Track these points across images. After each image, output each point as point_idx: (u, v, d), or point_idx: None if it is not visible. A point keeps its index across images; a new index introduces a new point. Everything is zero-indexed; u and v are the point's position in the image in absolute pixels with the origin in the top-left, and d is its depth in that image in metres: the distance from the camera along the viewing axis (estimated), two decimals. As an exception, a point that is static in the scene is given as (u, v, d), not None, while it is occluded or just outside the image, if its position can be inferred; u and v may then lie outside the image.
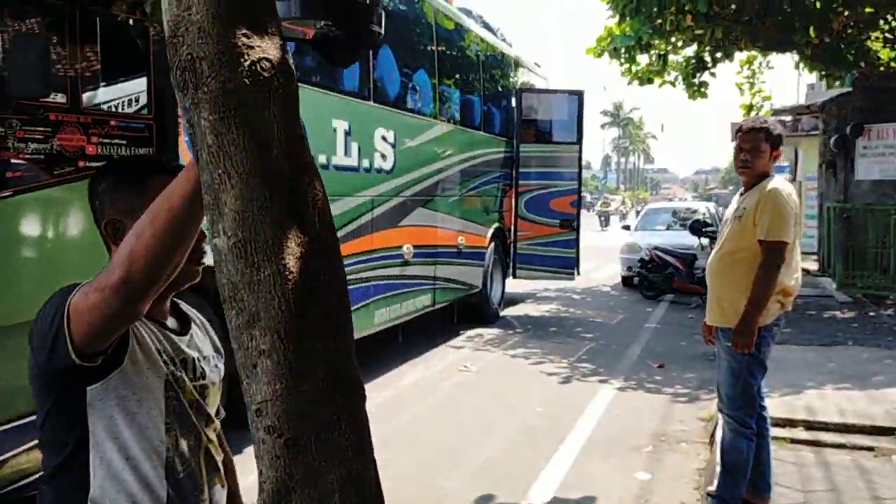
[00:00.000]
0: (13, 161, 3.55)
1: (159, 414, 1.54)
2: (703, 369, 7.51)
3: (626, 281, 14.46)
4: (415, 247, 8.05)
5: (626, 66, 12.53)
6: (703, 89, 13.22)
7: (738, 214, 3.90)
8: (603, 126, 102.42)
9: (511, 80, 11.77)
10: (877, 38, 12.35)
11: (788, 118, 19.33)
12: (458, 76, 9.67)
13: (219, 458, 1.69)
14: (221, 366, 1.76)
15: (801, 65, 12.72)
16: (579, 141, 11.34)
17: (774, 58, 13.94)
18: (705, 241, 11.95)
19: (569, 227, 11.16)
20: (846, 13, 10.84)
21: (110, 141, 4.01)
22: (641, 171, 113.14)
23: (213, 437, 1.68)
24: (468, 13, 10.50)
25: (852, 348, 7.89)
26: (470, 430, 5.82)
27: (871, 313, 10.25)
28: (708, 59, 12.64)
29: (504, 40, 11.74)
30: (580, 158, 11.44)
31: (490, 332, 9.85)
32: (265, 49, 1.14)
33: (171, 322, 1.66)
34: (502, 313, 11.15)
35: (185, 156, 4.24)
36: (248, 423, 1.15)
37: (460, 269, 9.53)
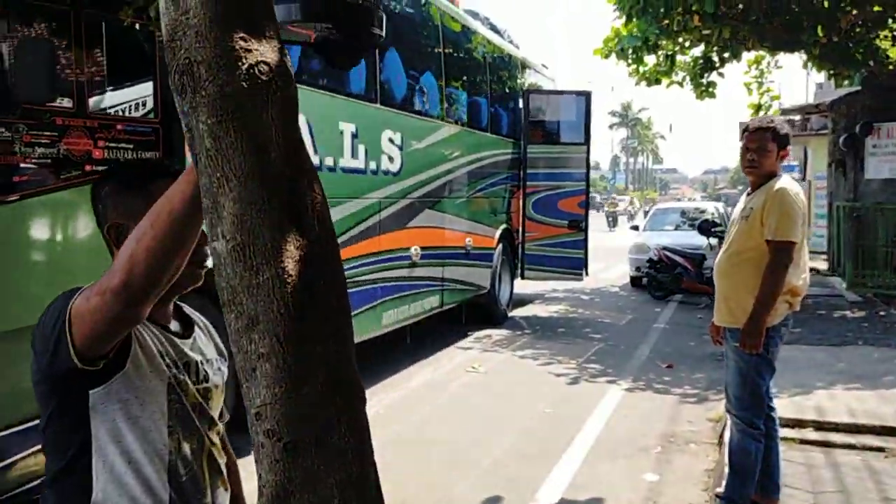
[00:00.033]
0: (20, 165, 3.57)
1: (162, 417, 1.54)
2: (712, 370, 7.48)
3: (635, 281, 14.42)
4: (422, 248, 8.05)
5: (634, 66, 12.49)
6: (710, 89, 13.17)
7: (746, 214, 3.89)
8: (611, 126, 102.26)
9: (518, 81, 11.77)
10: (885, 36, 12.28)
11: (797, 117, 19.25)
12: (464, 78, 9.67)
13: (222, 461, 1.69)
14: (225, 369, 1.76)
15: (810, 64, 12.67)
16: (587, 142, 11.31)
17: (783, 57, 13.86)
18: (714, 241, 11.89)
19: (577, 228, 11.14)
20: (854, 12, 10.78)
21: (117, 145, 4.02)
22: (650, 171, 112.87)
23: (216, 440, 1.68)
24: (475, 15, 10.50)
25: (862, 348, 7.84)
26: (478, 430, 5.81)
27: (882, 313, 10.18)
28: (716, 59, 12.60)
29: (511, 42, 11.74)
30: (588, 159, 11.41)
31: (498, 333, 9.84)
32: (263, 52, 1.14)
33: (174, 325, 1.66)
34: (511, 314, 11.14)
35: (192, 159, 4.24)
36: (248, 427, 1.15)
37: (468, 270, 9.52)
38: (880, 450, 4.87)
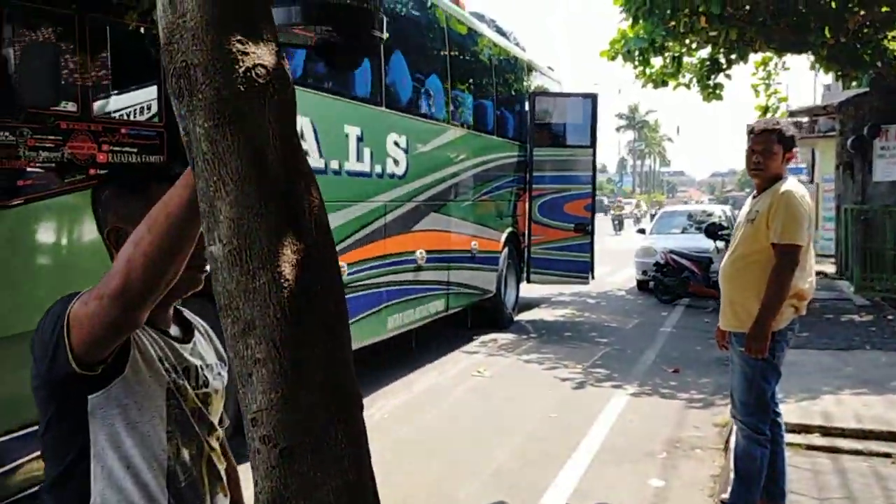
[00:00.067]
0: (24, 169, 3.57)
1: (161, 422, 1.53)
2: (719, 374, 7.45)
3: (642, 285, 14.38)
4: (428, 252, 8.04)
5: (640, 68, 12.47)
6: (717, 91, 13.13)
7: (751, 217, 3.86)
8: (618, 129, 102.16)
9: (524, 84, 11.76)
10: (893, 37, 12.21)
11: (805, 119, 19.18)
12: (470, 81, 9.66)
13: (221, 466, 1.68)
14: (225, 374, 1.75)
15: (817, 66, 12.61)
16: (593, 144, 11.29)
17: (790, 59, 13.82)
18: (721, 244, 11.85)
19: (583, 231, 11.11)
20: (862, 13, 10.74)
21: (121, 149, 4.03)
22: (657, 173, 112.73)
23: (215, 445, 1.67)
24: (480, 17, 10.49)
25: (870, 352, 7.80)
26: (483, 435, 5.80)
27: (890, 317, 10.12)
28: (722, 60, 12.55)
29: (517, 44, 11.73)
30: (594, 162, 11.39)
31: (504, 337, 9.82)
32: (260, 55, 1.13)
33: (173, 330, 1.66)
34: (516, 318, 11.12)
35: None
36: (244, 433, 1.14)
37: (474, 273, 9.51)
38: (887, 455, 4.83)
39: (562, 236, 11.09)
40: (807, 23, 10.80)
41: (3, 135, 3.45)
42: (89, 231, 3.86)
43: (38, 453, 3.43)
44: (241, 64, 1.11)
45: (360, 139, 6.66)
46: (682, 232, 15.14)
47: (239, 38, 1.12)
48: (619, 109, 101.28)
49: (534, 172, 11.08)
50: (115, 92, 4.17)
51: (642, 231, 16.69)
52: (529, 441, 5.69)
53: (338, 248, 6.15)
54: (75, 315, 1.36)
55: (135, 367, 1.49)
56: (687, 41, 11.85)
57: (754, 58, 13.25)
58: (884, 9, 10.71)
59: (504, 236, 10.54)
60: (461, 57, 9.36)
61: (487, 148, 9.92)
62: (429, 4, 8.38)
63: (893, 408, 5.63)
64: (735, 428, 4.09)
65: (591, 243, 11.26)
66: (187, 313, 1.75)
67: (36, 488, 3.50)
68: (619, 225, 37.40)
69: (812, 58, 12.36)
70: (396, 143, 7.40)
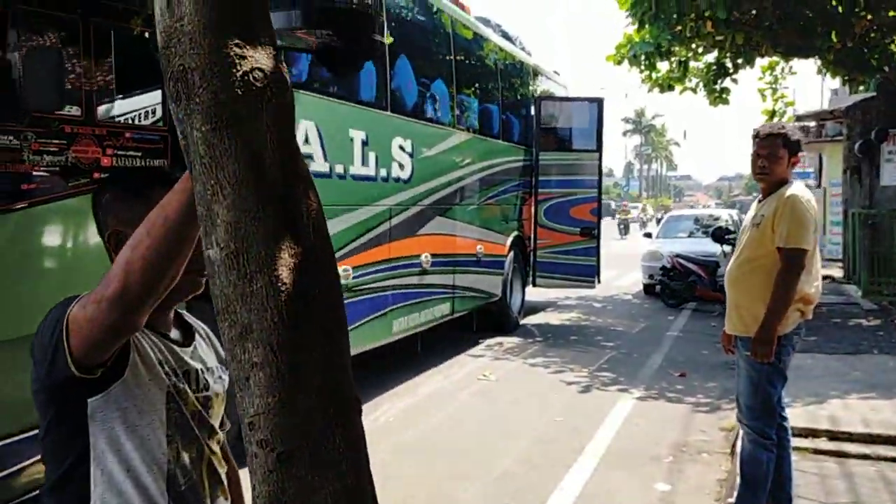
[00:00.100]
0: (28, 173, 3.59)
1: (160, 426, 1.53)
2: (726, 378, 7.41)
3: (648, 289, 14.35)
4: (433, 255, 8.04)
5: (647, 72, 12.46)
6: (724, 95, 13.11)
7: (757, 222, 3.85)
8: (625, 133, 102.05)
9: (530, 88, 11.75)
10: (901, 41, 12.19)
11: (812, 124, 19.14)
12: (476, 85, 9.67)
13: (222, 470, 1.68)
14: (226, 377, 1.74)
15: (824, 70, 12.58)
16: (599, 149, 11.28)
17: (797, 63, 13.77)
18: (728, 248, 11.81)
19: (589, 235, 11.10)
20: (869, 17, 10.71)
21: (125, 153, 4.04)
22: (664, 178, 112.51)
23: (216, 448, 1.67)
24: (486, 22, 10.50)
25: (878, 357, 7.76)
26: (488, 439, 5.78)
27: (898, 321, 10.08)
28: (729, 65, 12.55)
29: (523, 49, 11.73)
30: (600, 166, 11.38)
31: (510, 341, 9.81)
32: (258, 59, 1.13)
33: (174, 333, 1.65)
34: (522, 322, 11.11)
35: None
36: (242, 437, 1.14)
37: (479, 277, 9.50)
38: (895, 460, 4.80)
39: (568, 240, 11.08)
40: (813, 27, 10.78)
41: (8, 139, 3.46)
42: (93, 235, 3.87)
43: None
44: (238, 68, 1.11)
45: (365, 143, 6.66)
46: (689, 236, 15.11)
47: (236, 41, 1.12)
48: (626, 114, 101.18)
49: (540, 176, 11.08)
50: (120, 96, 4.18)
51: (649, 235, 16.66)
52: (535, 444, 5.68)
53: (343, 251, 6.17)
54: (74, 318, 1.36)
55: (135, 371, 1.49)
56: (693, 45, 11.85)
57: (761, 62, 13.24)
58: (891, 13, 10.69)
59: (510, 240, 10.53)
60: (467, 61, 9.37)
61: (493, 152, 9.91)
62: (434, 9, 8.39)
63: (901, 412, 5.60)
64: (741, 432, 4.07)
65: (598, 247, 11.24)
66: (188, 317, 1.75)
67: (38, 492, 3.52)
68: (624, 229, 37.33)
69: (819, 62, 12.33)
70: (402, 148, 7.40)
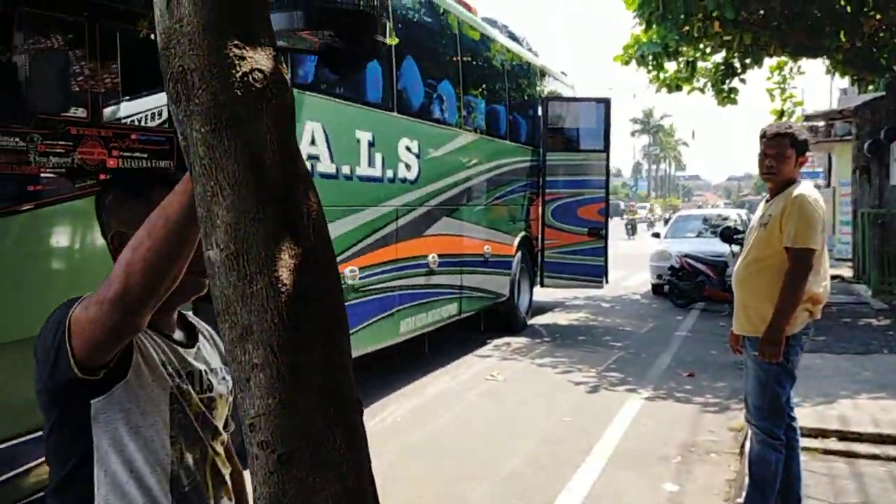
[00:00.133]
0: (34, 175, 3.60)
1: (164, 427, 1.53)
2: (734, 378, 7.39)
3: (657, 289, 14.32)
4: (440, 256, 8.03)
5: (654, 73, 12.42)
6: (732, 96, 13.04)
7: (764, 221, 3.83)
8: (633, 133, 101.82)
9: (537, 88, 11.74)
10: (910, 40, 12.11)
11: (821, 123, 19.07)
12: (483, 86, 9.66)
13: (226, 471, 1.68)
14: (230, 378, 1.74)
15: (833, 69, 12.52)
16: (607, 149, 11.26)
17: (806, 63, 13.70)
18: (737, 248, 11.77)
19: (597, 235, 11.08)
20: (878, 17, 10.64)
21: (131, 154, 4.05)
22: (673, 177, 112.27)
23: (220, 449, 1.67)
24: (493, 23, 10.49)
25: (888, 356, 7.71)
26: (496, 439, 5.78)
27: (908, 321, 10.03)
28: (737, 65, 12.47)
29: (530, 49, 11.73)
30: (608, 166, 11.36)
31: (517, 341, 9.80)
32: (257, 60, 1.13)
33: (177, 334, 1.66)
34: (530, 322, 11.10)
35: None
36: (243, 438, 1.14)
37: (487, 277, 9.49)
38: (905, 461, 4.77)
39: (575, 240, 11.06)
40: (822, 27, 10.72)
41: (14, 140, 3.48)
42: (99, 236, 3.88)
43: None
44: (237, 68, 1.11)
45: (371, 144, 6.66)
46: (698, 236, 15.07)
47: (236, 42, 1.11)
48: (634, 114, 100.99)
49: (547, 177, 11.07)
50: (126, 98, 4.20)
51: (657, 235, 16.61)
52: (543, 445, 5.67)
53: (350, 252, 6.17)
54: (76, 319, 1.36)
55: (137, 372, 1.49)
56: (701, 46, 11.79)
57: (769, 62, 13.16)
58: (900, 12, 10.62)
59: (517, 240, 10.52)
60: (473, 62, 9.36)
61: (500, 152, 9.91)
62: (441, 10, 8.39)
63: (911, 413, 5.56)
64: (750, 432, 4.05)
65: (605, 247, 11.22)
66: (192, 318, 1.75)
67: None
68: (632, 230, 37.28)
69: (827, 62, 12.26)
70: (408, 148, 7.40)
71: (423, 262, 7.69)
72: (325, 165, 5.88)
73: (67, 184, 3.74)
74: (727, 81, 12.81)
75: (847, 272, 14.89)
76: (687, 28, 10.77)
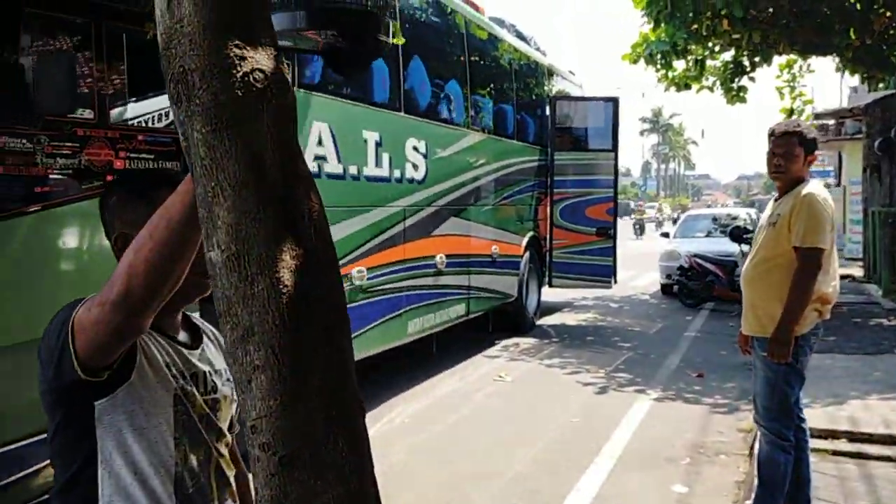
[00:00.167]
0: (41, 176, 3.61)
1: (168, 428, 1.53)
2: (744, 379, 7.34)
3: (666, 289, 14.26)
4: (448, 256, 8.03)
5: (663, 72, 12.38)
6: (741, 94, 12.99)
7: (773, 221, 3.81)
8: (642, 133, 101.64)
9: (545, 88, 11.72)
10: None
11: (831, 122, 18.99)
12: (490, 85, 9.65)
13: (230, 472, 1.67)
14: (234, 379, 1.74)
15: (843, 67, 12.45)
16: (615, 148, 11.23)
17: (815, 61, 13.63)
18: (746, 247, 11.72)
19: (605, 235, 11.04)
20: (888, 14, 10.58)
21: (138, 155, 4.06)
22: (682, 177, 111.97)
23: (224, 451, 1.66)
24: (500, 22, 10.48)
25: (899, 357, 7.67)
26: (504, 440, 5.77)
27: (919, 320, 9.96)
28: (746, 63, 12.43)
29: (538, 49, 11.71)
30: (616, 166, 11.33)
31: (526, 342, 9.78)
32: (258, 60, 1.12)
33: (182, 335, 1.65)
34: (538, 322, 11.08)
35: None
36: (245, 440, 1.13)
37: (495, 278, 9.48)
38: (916, 461, 4.74)
39: (584, 240, 11.03)
40: (831, 24, 10.67)
41: (21, 142, 3.49)
42: (105, 237, 3.89)
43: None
44: (238, 69, 1.10)
45: (378, 144, 6.66)
46: (707, 235, 15.01)
47: (236, 42, 1.11)
48: (643, 113, 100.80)
49: (555, 176, 11.04)
50: (132, 99, 4.20)
51: (666, 235, 16.55)
52: (551, 446, 5.65)
53: (358, 252, 6.17)
54: (79, 321, 1.36)
55: (141, 373, 1.49)
56: (709, 44, 11.75)
57: (778, 60, 13.12)
58: (910, 9, 10.56)
59: (525, 240, 10.50)
60: (481, 62, 9.35)
61: (508, 152, 9.89)
62: (449, 10, 8.39)
63: (922, 413, 5.52)
64: (759, 434, 4.03)
65: (614, 247, 11.18)
66: (196, 319, 1.75)
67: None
68: (640, 230, 37.15)
69: (837, 60, 12.20)
70: (416, 148, 7.40)
71: (430, 262, 7.69)
72: (332, 166, 5.88)
73: (74, 185, 3.75)
74: (736, 80, 12.76)
75: (858, 272, 14.81)
76: (695, 26, 10.74)
